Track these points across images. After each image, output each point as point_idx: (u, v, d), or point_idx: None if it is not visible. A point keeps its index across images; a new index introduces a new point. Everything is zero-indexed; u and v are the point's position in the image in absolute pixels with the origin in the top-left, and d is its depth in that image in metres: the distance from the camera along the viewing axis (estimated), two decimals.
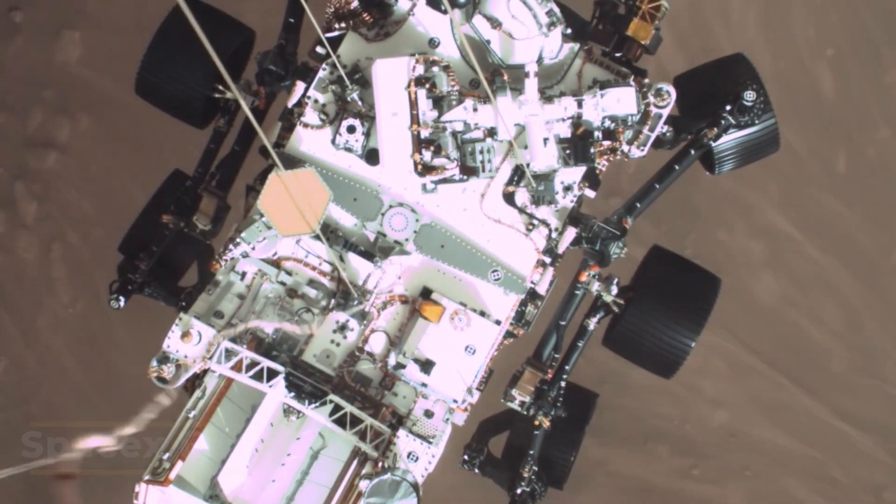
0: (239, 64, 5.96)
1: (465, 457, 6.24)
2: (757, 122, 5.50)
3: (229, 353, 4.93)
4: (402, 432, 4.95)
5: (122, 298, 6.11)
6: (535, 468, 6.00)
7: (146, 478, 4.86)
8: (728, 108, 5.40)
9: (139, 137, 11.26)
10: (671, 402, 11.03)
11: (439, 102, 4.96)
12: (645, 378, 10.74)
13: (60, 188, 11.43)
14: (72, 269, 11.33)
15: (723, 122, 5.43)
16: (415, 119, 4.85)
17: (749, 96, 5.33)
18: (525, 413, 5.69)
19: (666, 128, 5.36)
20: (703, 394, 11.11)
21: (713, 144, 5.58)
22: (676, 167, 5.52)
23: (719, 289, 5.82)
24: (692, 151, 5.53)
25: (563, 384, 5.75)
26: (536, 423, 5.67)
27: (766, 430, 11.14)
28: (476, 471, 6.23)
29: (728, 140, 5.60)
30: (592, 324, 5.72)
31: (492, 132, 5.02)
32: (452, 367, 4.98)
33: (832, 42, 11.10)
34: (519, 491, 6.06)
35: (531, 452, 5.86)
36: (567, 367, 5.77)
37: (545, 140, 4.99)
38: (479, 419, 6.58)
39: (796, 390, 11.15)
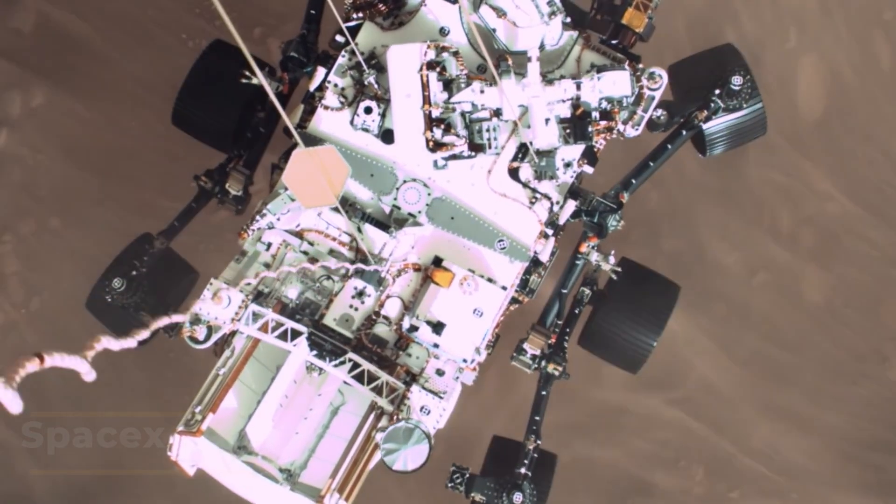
0: (264, 95, 8.49)
1: (452, 468, 8.40)
2: (745, 105, 8.03)
3: (256, 316, 7.37)
4: (415, 388, 7.23)
5: (124, 281, 8.49)
6: (539, 441, 8.52)
7: (180, 429, 7.32)
8: (717, 91, 7.94)
9: (98, 115, 13.05)
10: (706, 417, 12.70)
11: (449, 85, 7.29)
12: (676, 393, 12.90)
13: (12, 171, 13.13)
14: (25, 263, 13.02)
15: (712, 104, 7.94)
16: (426, 100, 7.19)
17: (736, 81, 7.89)
18: (536, 367, 8.28)
19: (660, 111, 7.74)
20: (742, 408, 12.68)
21: (704, 128, 8.11)
22: (669, 146, 8.06)
23: (678, 295, 8.64)
24: (684, 132, 8.06)
25: (566, 344, 8.34)
26: (551, 367, 8.26)
27: (815, 449, 12.64)
28: (461, 489, 8.38)
29: (717, 124, 8.12)
30: (586, 293, 8.49)
31: (497, 112, 7.37)
32: (462, 328, 7.32)
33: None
34: (522, 470, 8.31)
35: (537, 418, 8.35)
36: (569, 330, 8.41)
37: (546, 120, 7.35)
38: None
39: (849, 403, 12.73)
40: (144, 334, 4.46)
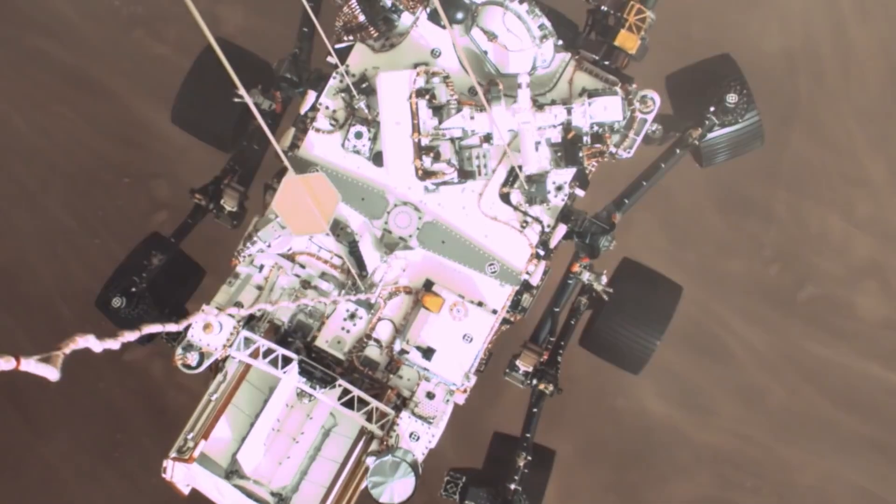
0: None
1: (447, 477, 8.55)
2: (741, 120, 8.05)
3: (248, 342, 7.49)
4: (404, 414, 7.33)
5: (123, 298, 8.49)
6: (529, 458, 8.59)
7: (173, 455, 7.47)
8: (712, 109, 7.96)
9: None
10: (739, 466, 12.21)
11: (439, 111, 7.31)
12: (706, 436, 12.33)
13: None
14: None
15: (707, 122, 7.97)
16: (416, 128, 7.24)
17: (731, 99, 7.89)
18: (528, 384, 8.34)
19: (655, 126, 7.77)
20: (782, 451, 12.17)
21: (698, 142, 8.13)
22: (662, 165, 8.08)
23: (680, 295, 8.58)
24: (678, 150, 8.08)
25: (559, 360, 8.40)
26: (542, 387, 8.31)
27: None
28: (455, 497, 8.50)
29: (714, 136, 8.15)
30: (583, 302, 8.48)
31: (488, 138, 7.40)
32: (451, 353, 7.39)
33: None
34: (512, 486, 8.38)
35: (528, 436, 8.46)
36: (563, 344, 8.46)
37: (537, 144, 7.35)
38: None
39: None
40: (130, 337, 4.50)
